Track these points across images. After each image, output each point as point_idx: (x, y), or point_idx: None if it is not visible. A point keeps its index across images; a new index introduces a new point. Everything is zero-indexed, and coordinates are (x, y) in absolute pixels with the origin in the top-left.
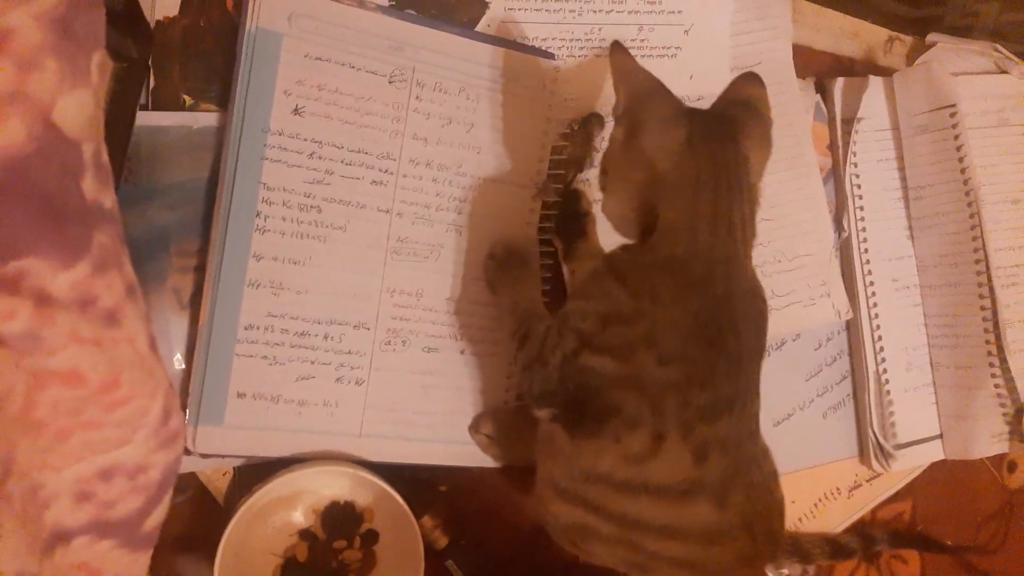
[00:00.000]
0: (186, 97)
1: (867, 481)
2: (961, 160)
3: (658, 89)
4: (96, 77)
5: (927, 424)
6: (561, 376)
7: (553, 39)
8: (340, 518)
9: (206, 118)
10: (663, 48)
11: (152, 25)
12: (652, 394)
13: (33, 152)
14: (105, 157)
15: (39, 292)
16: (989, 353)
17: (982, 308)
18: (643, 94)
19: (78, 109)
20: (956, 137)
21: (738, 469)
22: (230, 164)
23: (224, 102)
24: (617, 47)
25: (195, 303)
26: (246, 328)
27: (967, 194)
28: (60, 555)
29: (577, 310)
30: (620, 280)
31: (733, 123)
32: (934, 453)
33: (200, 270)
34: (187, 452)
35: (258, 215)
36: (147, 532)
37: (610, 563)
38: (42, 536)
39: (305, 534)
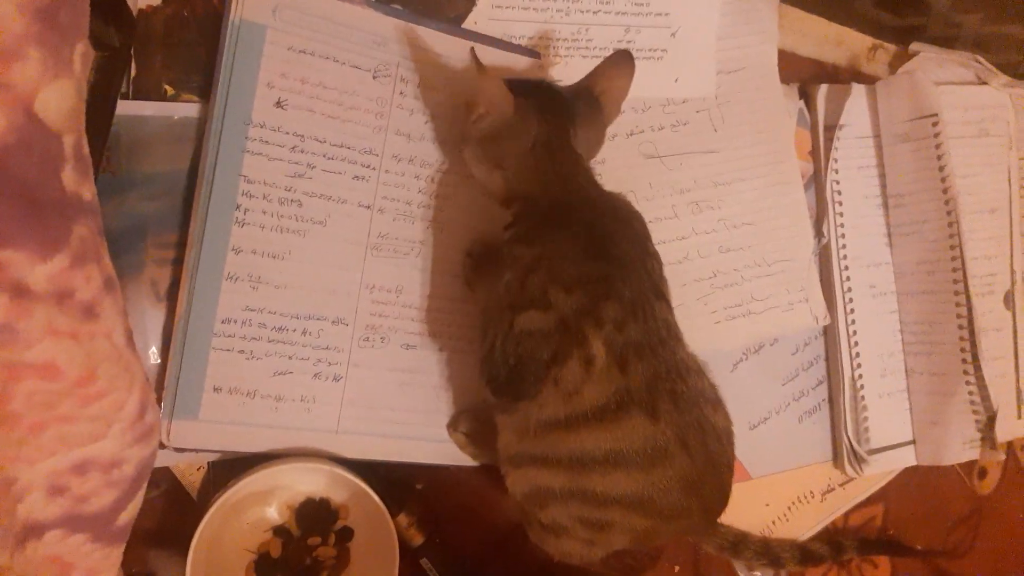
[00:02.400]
0: (168, 87)
1: (840, 485)
2: (942, 169)
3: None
4: (79, 67)
5: (900, 430)
6: (503, 354)
7: (540, 38)
8: (315, 515)
9: (187, 109)
10: (649, 50)
11: (135, 14)
12: (572, 325)
13: (13, 143)
14: (86, 148)
15: (16, 284)
16: (964, 360)
17: (958, 316)
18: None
19: (60, 100)
20: (938, 147)
21: (658, 374)
22: (211, 156)
23: (206, 93)
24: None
25: (172, 296)
26: (223, 322)
27: (947, 203)
28: (32, 548)
29: (503, 285)
30: (521, 241)
31: (570, 111)
32: (907, 459)
33: (178, 262)
34: (161, 446)
35: (238, 208)
36: (120, 526)
37: (574, 542)
38: (14, 529)
39: (279, 530)
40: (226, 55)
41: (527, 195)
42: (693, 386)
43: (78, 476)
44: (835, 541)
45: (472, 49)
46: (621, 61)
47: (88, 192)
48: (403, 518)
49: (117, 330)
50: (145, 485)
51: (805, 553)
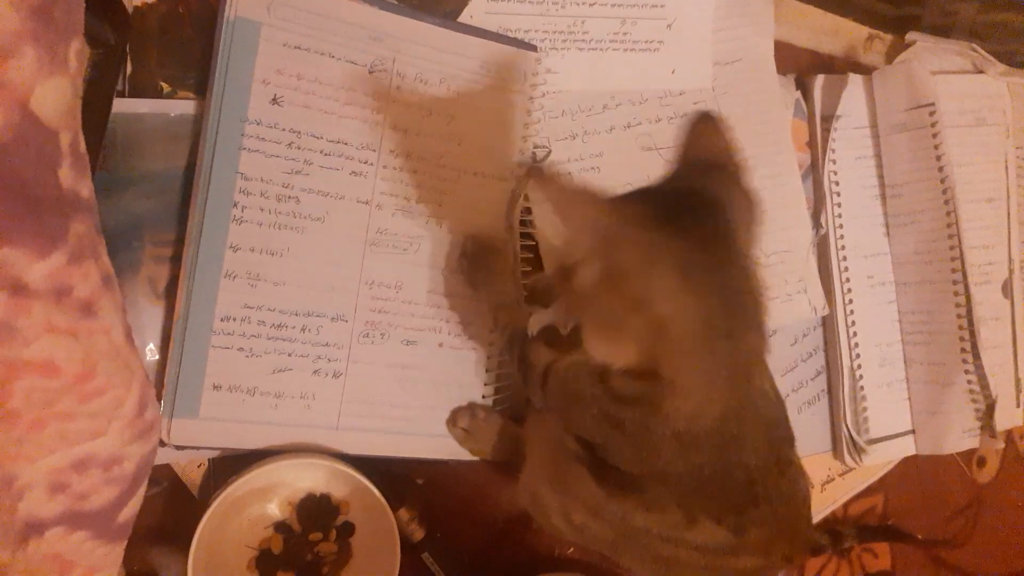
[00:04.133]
0: (164, 84)
1: (840, 476)
2: (939, 159)
3: (624, 209)
4: (74, 64)
5: (899, 419)
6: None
7: (536, 31)
8: (316, 510)
9: (183, 106)
10: (646, 42)
11: (130, 11)
12: (675, 488)
13: (10, 140)
14: (83, 146)
15: (14, 281)
16: (963, 350)
17: (956, 305)
18: (611, 228)
19: (56, 97)
20: (935, 135)
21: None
22: (207, 153)
23: (202, 90)
24: (535, 172)
25: (170, 293)
26: (222, 319)
27: (944, 192)
28: (34, 546)
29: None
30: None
31: (718, 210)
32: (906, 448)
33: (175, 260)
34: (161, 444)
35: (235, 205)
36: (121, 524)
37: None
38: (15, 527)
39: (280, 526)
40: (221, 52)
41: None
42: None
43: (78, 473)
44: (834, 530)
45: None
46: (708, 123)
47: (85, 189)
48: (404, 513)
49: (116, 327)
50: (146, 482)
51: None
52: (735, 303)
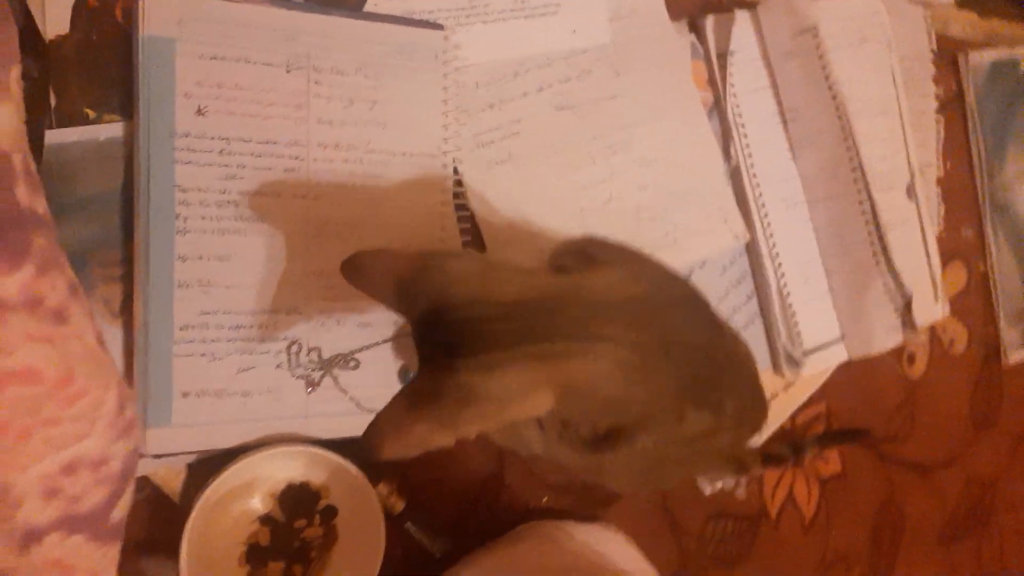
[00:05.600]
0: (88, 111)
1: (783, 391)
2: (828, 79)
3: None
4: (15, 90)
5: (829, 328)
6: None
7: (440, 10)
8: (297, 498)
9: (111, 129)
10: (544, 7)
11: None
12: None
13: None
14: (33, 166)
15: None
16: (874, 255)
17: (863, 213)
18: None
19: (4, 122)
20: (821, 58)
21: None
22: (143, 171)
23: (127, 111)
24: None
25: (126, 310)
26: (181, 328)
27: (837, 110)
28: (35, 553)
29: None
30: None
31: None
32: (839, 354)
33: (126, 278)
34: (139, 455)
35: (177, 217)
36: (114, 524)
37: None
38: (16, 536)
39: (265, 519)
40: (141, 72)
41: None
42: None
43: (69, 476)
44: (794, 442)
45: None
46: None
47: (40, 206)
48: (383, 487)
49: (87, 331)
50: (133, 480)
51: (768, 456)
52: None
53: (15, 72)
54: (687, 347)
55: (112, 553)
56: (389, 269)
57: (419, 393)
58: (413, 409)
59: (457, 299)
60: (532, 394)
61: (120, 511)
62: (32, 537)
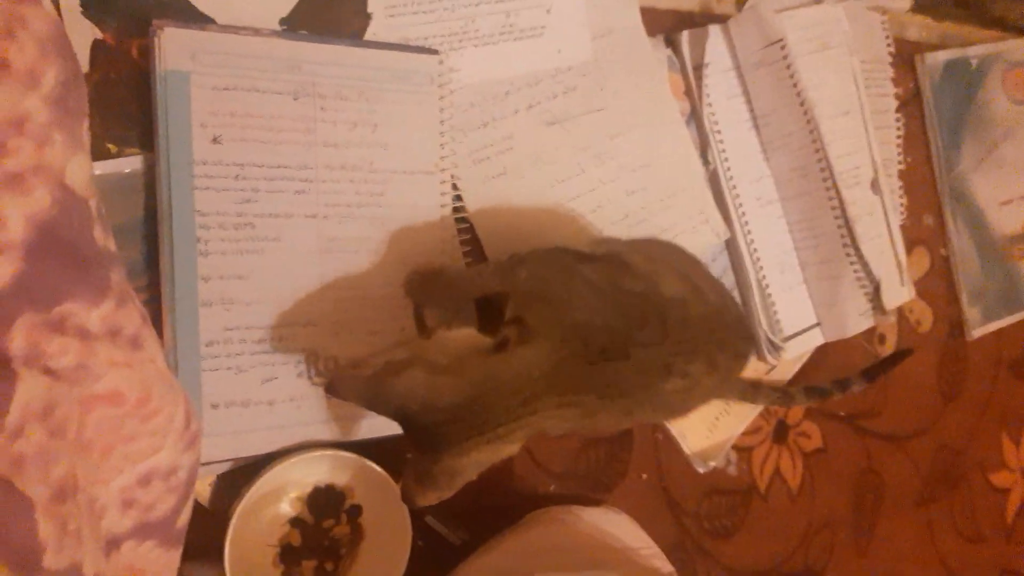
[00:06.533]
0: (111, 146)
1: (766, 374)
2: (795, 85)
3: None
4: (86, 141)
5: (805, 315)
6: None
7: (434, 36)
8: (324, 500)
9: (133, 162)
10: (531, 29)
11: None
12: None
13: (58, 213)
14: (103, 209)
15: (80, 329)
16: (844, 245)
17: (832, 208)
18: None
19: (81, 170)
20: (788, 66)
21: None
22: (164, 199)
23: (146, 143)
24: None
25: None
26: (207, 345)
27: (805, 113)
28: (114, 560)
29: None
30: None
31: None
32: (815, 339)
33: (153, 301)
34: None
35: (199, 240)
36: (179, 529)
37: None
38: (101, 544)
39: (295, 521)
40: (159, 105)
41: None
42: None
43: (144, 487)
44: (840, 379)
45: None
46: None
47: (112, 244)
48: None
49: (158, 355)
50: (195, 487)
51: (811, 390)
52: None
53: (86, 124)
54: (639, 353)
55: (176, 557)
56: (353, 390)
57: (420, 474)
58: (421, 485)
59: (411, 410)
60: (500, 455)
61: (184, 517)
62: (113, 544)
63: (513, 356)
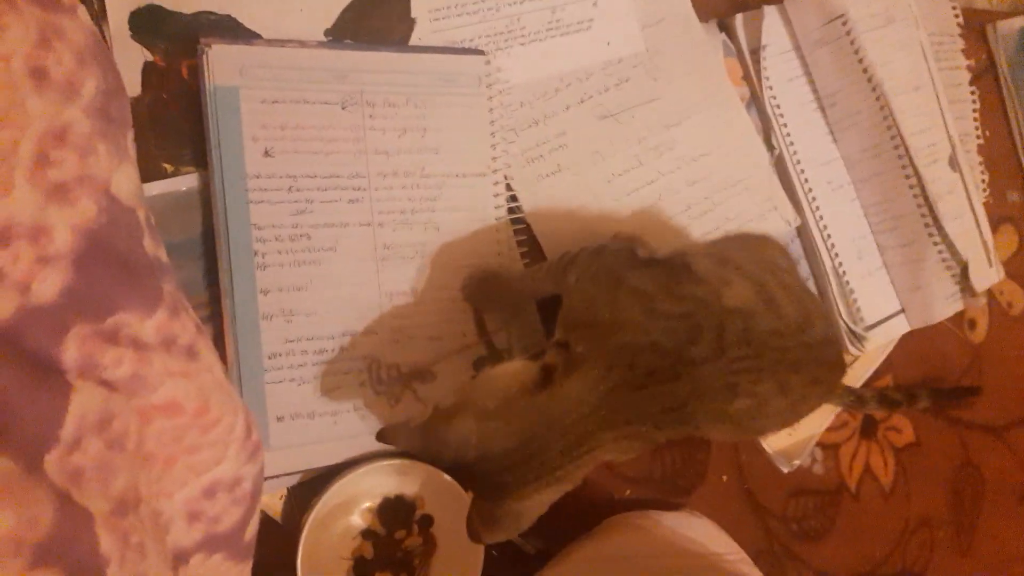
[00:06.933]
0: (166, 165)
1: (848, 366)
2: (861, 62)
3: None
4: (132, 151)
5: (888, 302)
6: None
7: (480, 37)
8: (394, 511)
9: (188, 180)
10: (578, 24)
11: None
12: None
13: (106, 223)
14: (152, 219)
15: (134, 339)
16: (926, 225)
17: (911, 187)
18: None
19: (127, 181)
20: (852, 42)
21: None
22: (221, 214)
23: (200, 161)
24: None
25: (218, 347)
26: (270, 357)
27: (873, 90)
28: (182, 574)
29: None
30: None
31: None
32: (900, 327)
33: (214, 318)
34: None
35: (256, 254)
36: (247, 542)
37: None
38: (168, 558)
39: (367, 533)
40: (211, 122)
41: None
42: None
43: (209, 499)
44: (910, 390)
45: None
46: None
47: (163, 254)
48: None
49: (215, 364)
50: (261, 498)
51: (883, 397)
52: None
53: (130, 135)
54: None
55: (246, 570)
56: (405, 440)
57: (486, 518)
58: (488, 528)
59: (467, 460)
60: (564, 491)
61: (252, 529)
62: (181, 558)
63: (560, 391)
